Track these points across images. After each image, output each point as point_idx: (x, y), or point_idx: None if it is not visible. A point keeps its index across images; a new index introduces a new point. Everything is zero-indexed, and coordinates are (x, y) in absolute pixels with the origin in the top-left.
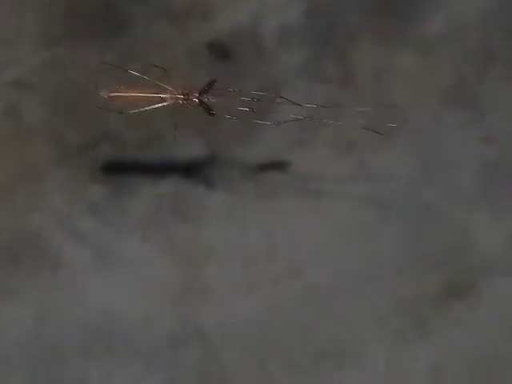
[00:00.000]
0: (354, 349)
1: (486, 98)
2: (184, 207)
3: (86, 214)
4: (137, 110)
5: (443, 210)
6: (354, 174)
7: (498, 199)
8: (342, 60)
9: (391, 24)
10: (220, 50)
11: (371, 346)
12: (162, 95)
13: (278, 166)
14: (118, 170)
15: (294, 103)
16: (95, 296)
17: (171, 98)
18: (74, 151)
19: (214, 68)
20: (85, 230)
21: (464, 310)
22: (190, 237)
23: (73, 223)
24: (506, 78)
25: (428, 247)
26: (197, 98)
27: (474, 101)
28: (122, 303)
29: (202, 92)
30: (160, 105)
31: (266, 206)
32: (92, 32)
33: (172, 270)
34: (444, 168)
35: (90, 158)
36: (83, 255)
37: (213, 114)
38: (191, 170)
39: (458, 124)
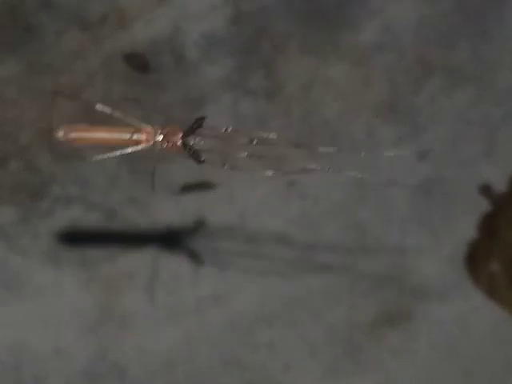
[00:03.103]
0: (284, 380)
1: (421, 111)
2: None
3: None
4: (104, 157)
5: (377, 232)
6: (285, 193)
7: (434, 219)
8: (269, 71)
9: (322, 32)
10: (138, 62)
11: (302, 377)
12: (136, 136)
13: (203, 185)
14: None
15: (307, 148)
16: (2, 328)
17: (147, 140)
18: None
19: (132, 81)
20: None
21: (400, 338)
22: (108, 261)
23: None
24: (442, 90)
25: (363, 270)
26: (181, 141)
27: (410, 115)
28: (32, 335)
29: (188, 132)
30: (132, 149)
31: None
32: None
33: (87, 298)
34: (377, 185)
35: None
36: None
37: (202, 162)
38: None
39: (392, 139)
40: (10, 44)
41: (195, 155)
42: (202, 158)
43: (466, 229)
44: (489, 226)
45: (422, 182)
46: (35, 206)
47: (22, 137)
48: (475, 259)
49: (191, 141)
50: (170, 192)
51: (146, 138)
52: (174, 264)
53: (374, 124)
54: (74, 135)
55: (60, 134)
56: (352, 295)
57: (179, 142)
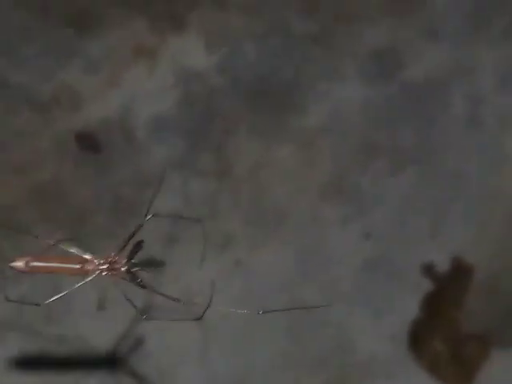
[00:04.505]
0: None
1: (367, 192)
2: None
3: None
4: (55, 298)
5: (322, 309)
6: (230, 272)
7: (378, 298)
8: (218, 152)
9: (269, 115)
10: (89, 142)
11: None
12: (85, 267)
13: (152, 264)
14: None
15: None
16: None
17: (94, 269)
18: None
19: (83, 161)
20: None
21: None
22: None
23: None
24: (387, 171)
25: (307, 347)
26: (125, 267)
27: (355, 195)
28: None
29: (130, 257)
30: (82, 282)
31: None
32: None
33: None
34: (323, 264)
35: None
36: None
37: (143, 287)
38: None
39: (338, 219)
40: None
41: (136, 281)
42: (143, 284)
43: (410, 307)
44: (433, 304)
45: (366, 260)
46: None
47: None
48: (419, 337)
49: (133, 267)
50: None
51: (92, 267)
52: None
53: (321, 204)
54: (30, 265)
55: (18, 262)
56: (297, 371)
57: (123, 269)
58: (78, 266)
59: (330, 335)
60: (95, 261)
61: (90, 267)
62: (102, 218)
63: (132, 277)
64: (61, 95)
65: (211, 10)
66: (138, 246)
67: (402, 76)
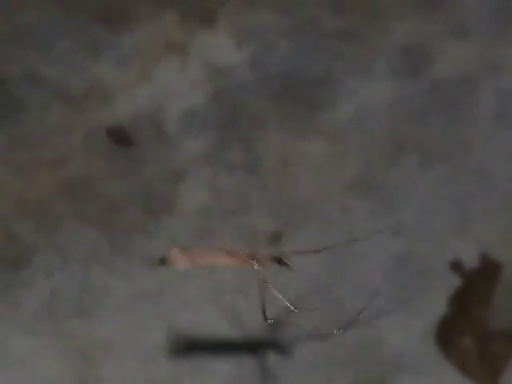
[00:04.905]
0: None
1: (395, 188)
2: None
3: None
4: None
5: (352, 306)
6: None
7: (407, 295)
8: (247, 146)
9: (299, 109)
10: (120, 136)
11: None
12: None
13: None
14: None
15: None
16: None
17: (243, 264)
18: None
19: (114, 155)
20: None
21: None
22: (85, 330)
23: None
24: (415, 167)
25: (337, 344)
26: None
27: (383, 191)
28: None
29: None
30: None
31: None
32: None
33: (64, 367)
34: (352, 261)
35: None
36: None
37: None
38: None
39: (366, 215)
40: None
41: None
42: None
43: (438, 304)
44: (461, 301)
45: (395, 256)
46: (17, 276)
47: (2, 207)
48: (447, 334)
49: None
50: (147, 263)
51: (241, 261)
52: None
53: (349, 200)
54: (185, 260)
55: (174, 260)
56: (327, 367)
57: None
58: (229, 262)
59: (359, 332)
60: (244, 255)
61: (239, 261)
62: (134, 212)
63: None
64: (92, 90)
65: (242, 5)
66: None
67: (431, 72)
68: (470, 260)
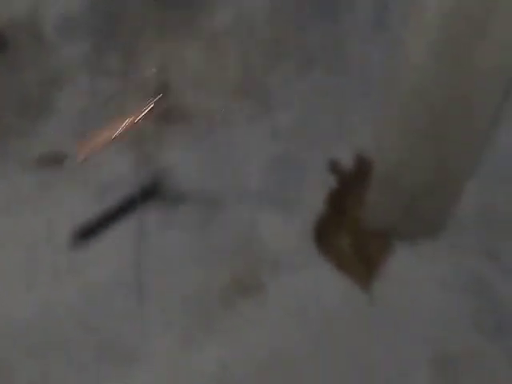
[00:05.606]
0: (138, 345)
1: (274, 92)
2: None
3: None
4: None
5: (231, 206)
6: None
7: (285, 196)
8: (125, 53)
9: (177, 16)
10: None
11: (155, 343)
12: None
13: (56, 158)
14: None
15: None
16: None
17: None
18: None
19: None
20: None
21: (252, 307)
22: None
23: None
24: (294, 71)
25: (215, 241)
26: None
27: (262, 95)
28: None
29: None
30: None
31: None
32: None
33: None
34: (232, 163)
35: None
36: None
37: None
38: None
39: (245, 118)
40: None
41: None
42: None
43: (316, 204)
44: (337, 202)
45: (273, 158)
46: None
47: None
48: (324, 233)
49: None
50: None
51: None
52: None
53: (229, 104)
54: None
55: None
56: (205, 262)
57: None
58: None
59: (239, 231)
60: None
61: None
62: (10, 116)
63: None
64: None
65: None
66: None
67: None
68: (346, 161)
